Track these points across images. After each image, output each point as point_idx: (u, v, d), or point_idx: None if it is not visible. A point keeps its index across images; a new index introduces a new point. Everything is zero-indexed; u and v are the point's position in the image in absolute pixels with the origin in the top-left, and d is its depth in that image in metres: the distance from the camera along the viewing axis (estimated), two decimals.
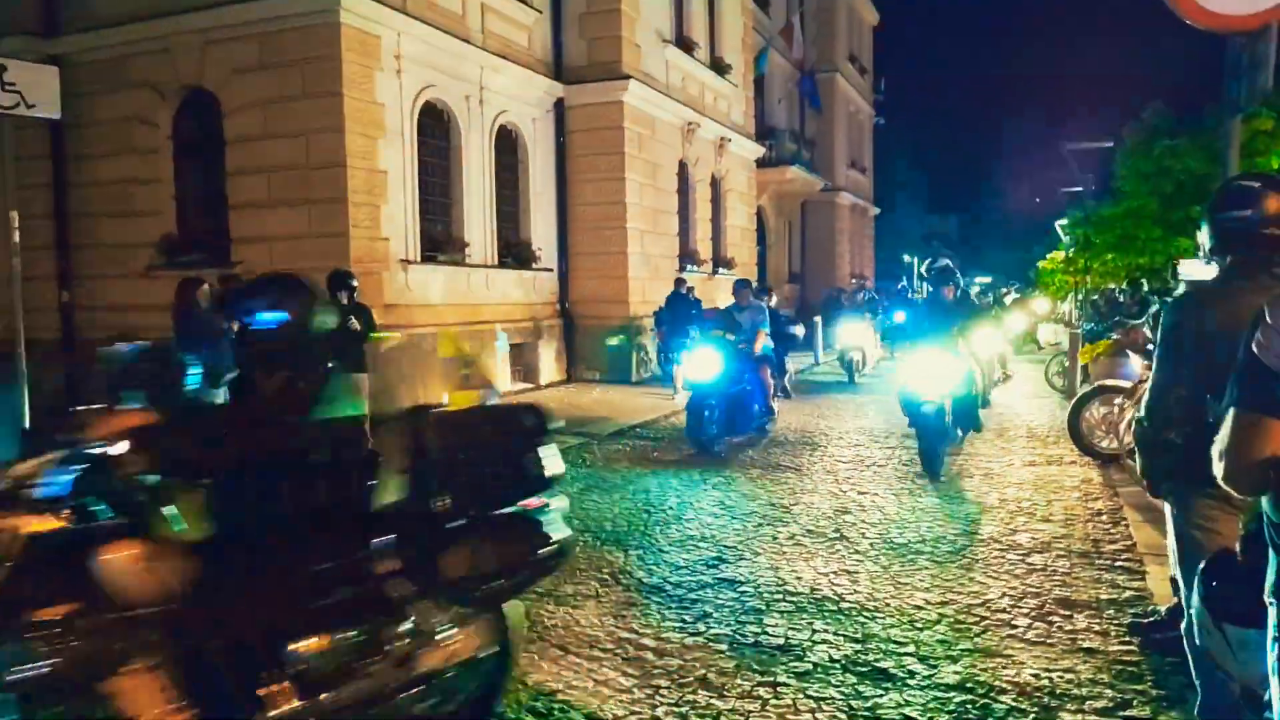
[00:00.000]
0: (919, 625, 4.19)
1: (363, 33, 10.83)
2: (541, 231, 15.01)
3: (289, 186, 10.86)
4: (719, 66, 19.34)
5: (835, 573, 5.00)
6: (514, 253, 14.38)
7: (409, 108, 11.77)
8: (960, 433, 8.34)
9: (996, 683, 3.56)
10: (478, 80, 13.12)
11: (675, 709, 3.40)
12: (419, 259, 11.97)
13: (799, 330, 14.51)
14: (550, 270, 15.13)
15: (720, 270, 19.59)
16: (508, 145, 14.32)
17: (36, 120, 6.51)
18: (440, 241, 12.63)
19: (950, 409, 7.49)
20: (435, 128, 12.66)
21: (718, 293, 19.02)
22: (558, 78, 15.03)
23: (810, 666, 3.76)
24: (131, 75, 11.78)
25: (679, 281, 14.77)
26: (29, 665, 2.09)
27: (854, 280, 29.50)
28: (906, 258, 49.77)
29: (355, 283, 8.53)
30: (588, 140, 15.20)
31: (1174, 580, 3.49)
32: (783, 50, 25.23)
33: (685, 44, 17.56)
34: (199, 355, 7.06)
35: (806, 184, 27.68)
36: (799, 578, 4.90)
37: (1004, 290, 27.31)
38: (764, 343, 9.64)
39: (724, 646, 3.98)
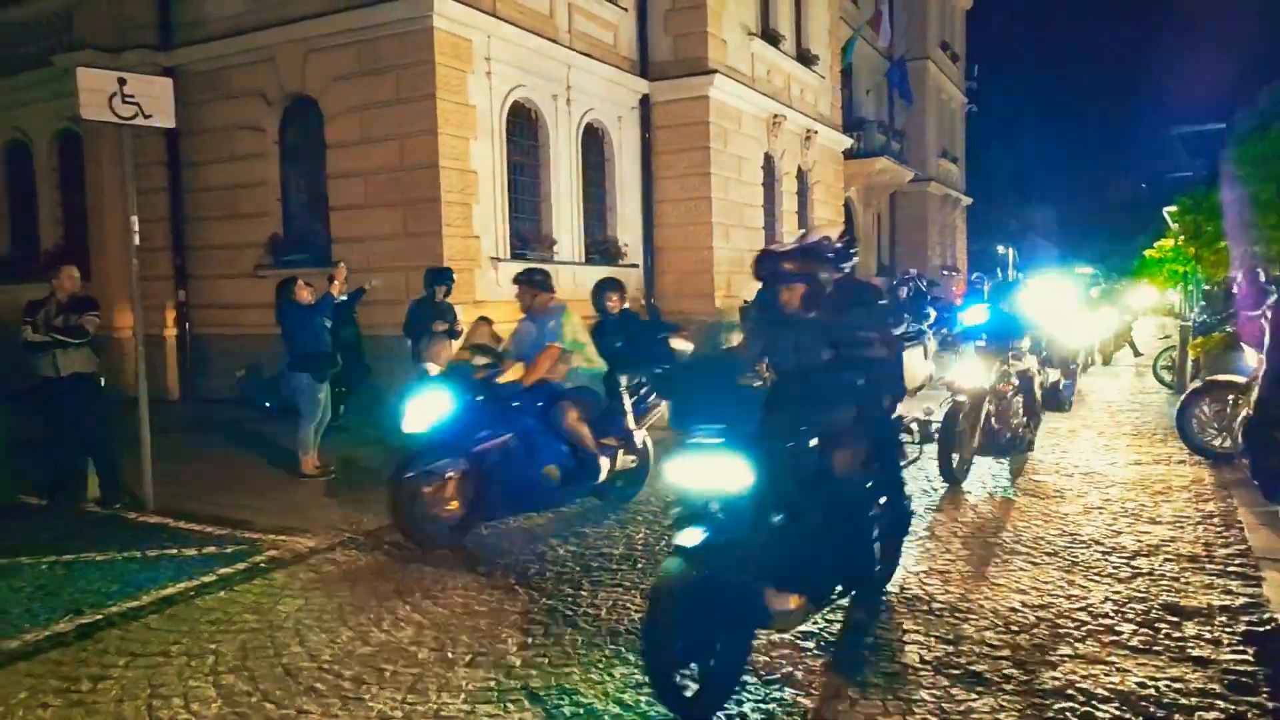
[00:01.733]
0: (1015, 629, 4.08)
1: (455, 36, 11.10)
2: (628, 228, 15.10)
3: (385, 188, 11.23)
4: (805, 58, 19.08)
5: (926, 572, 4.91)
6: (601, 249, 14.53)
7: (498, 108, 12.01)
8: (807, 603, 3.64)
9: (1099, 690, 3.45)
10: (565, 79, 13.29)
11: (761, 705, 3.41)
12: (508, 256, 12.21)
13: (684, 344, 7.58)
14: (636, 266, 15.21)
15: None
16: (594, 143, 14.46)
17: (154, 129, 6.90)
18: (529, 239, 12.86)
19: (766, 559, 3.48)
20: (524, 127, 12.88)
21: None
22: (643, 74, 15.08)
23: (900, 668, 3.71)
24: (239, 84, 12.36)
25: None
26: None
27: (906, 272, 23.39)
28: (1001, 249, 48.65)
29: (453, 280, 8.96)
30: (673, 136, 15.22)
31: None
32: (871, 39, 24.69)
33: (771, 36, 17.38)
34: (301, 347, 7.46)
35: (896, 175, 27.03)
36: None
37: (1091, 283, 24.49)
38: (545, 370, 5.95)
39: (810, 644, 3.96)
